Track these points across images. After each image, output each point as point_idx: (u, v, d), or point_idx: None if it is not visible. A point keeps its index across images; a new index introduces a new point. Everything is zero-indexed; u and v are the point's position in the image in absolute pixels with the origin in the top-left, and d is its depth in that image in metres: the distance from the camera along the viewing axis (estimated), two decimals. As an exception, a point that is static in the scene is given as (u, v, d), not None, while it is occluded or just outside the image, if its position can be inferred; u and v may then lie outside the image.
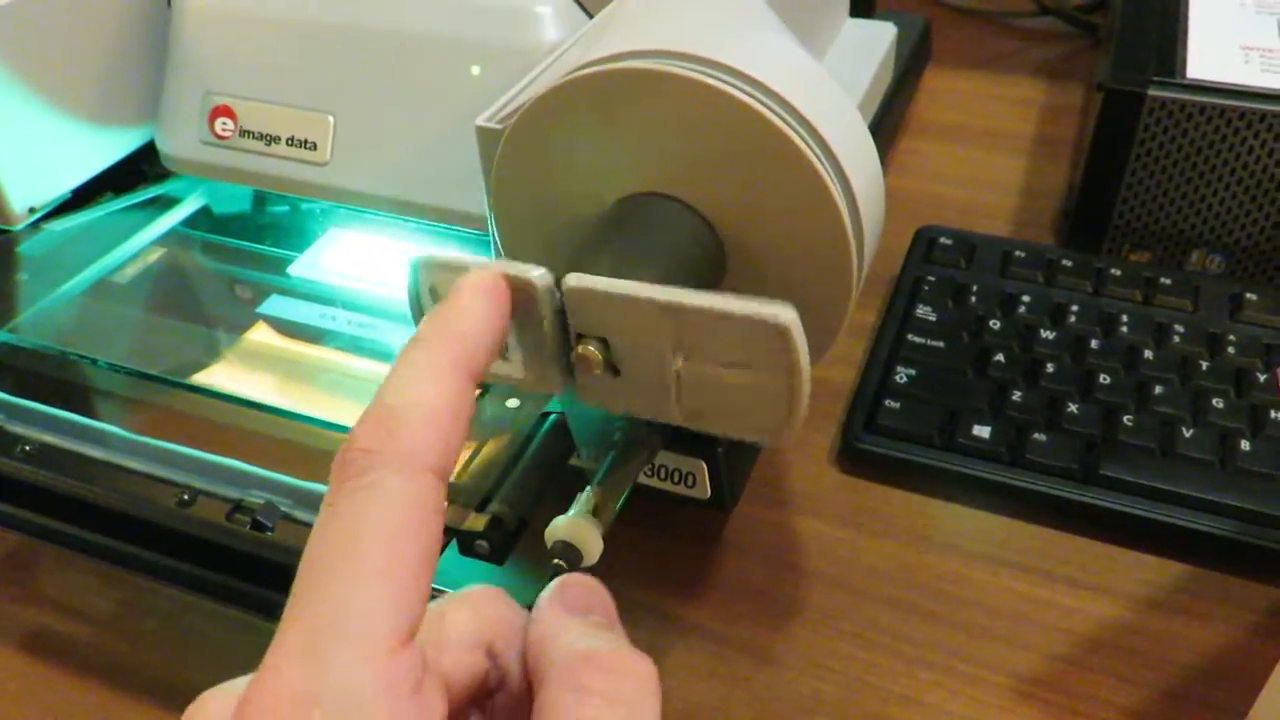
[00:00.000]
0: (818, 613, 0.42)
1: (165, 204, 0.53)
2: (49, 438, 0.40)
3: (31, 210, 0.46)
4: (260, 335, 0.49)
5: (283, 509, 0.36)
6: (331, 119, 0.46)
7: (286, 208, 0.56)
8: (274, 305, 0.50)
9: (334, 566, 0.21)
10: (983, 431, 0.46)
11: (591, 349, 0.29)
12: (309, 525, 0.36)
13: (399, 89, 0.45)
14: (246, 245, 0.53)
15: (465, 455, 0.39)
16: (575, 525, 0.35)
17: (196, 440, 0.40)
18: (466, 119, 0.44)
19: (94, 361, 0.42)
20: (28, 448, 0.39)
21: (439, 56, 0.44)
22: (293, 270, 0.52)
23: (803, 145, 0.30)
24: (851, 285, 0.31)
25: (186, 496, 0.37)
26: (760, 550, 0.45)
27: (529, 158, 0.33)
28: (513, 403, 0.41)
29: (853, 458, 0.48)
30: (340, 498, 0.22)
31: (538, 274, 0.27)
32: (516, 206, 0.34)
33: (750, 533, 0.46)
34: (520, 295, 0.27)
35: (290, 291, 0.51)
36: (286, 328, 0.49)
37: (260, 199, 0.56)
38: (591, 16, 0.44)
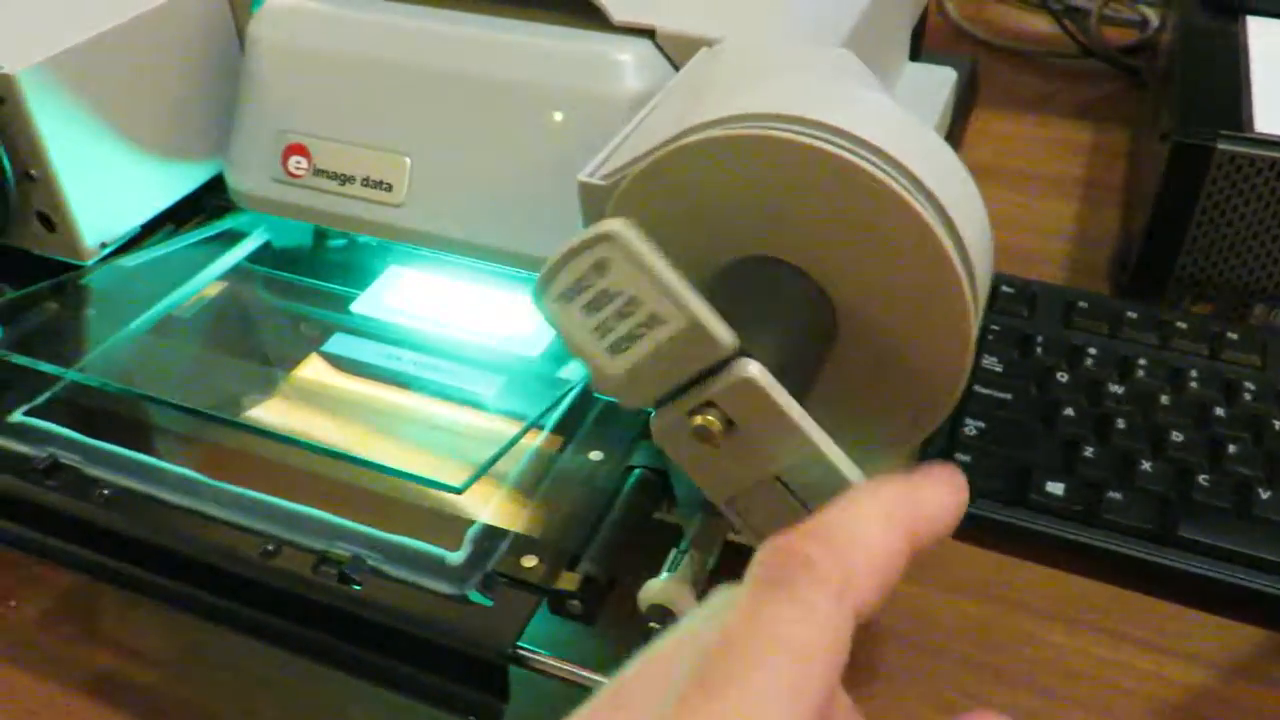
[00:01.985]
0: (894, 671, 0.42)
1: (229, 239, 0.53)
2: (127, 482, 0.39)
3: (103, 245, 0.46)
4: (326, 375, 0.48)
5: (370, 563, 0.36)
6: (408, 160, 0.45)
7: (344, 242, 0.56)
8: (338, 344, 0.50)
9: (747, 674, 0.20)
10: (1056, 488, 0.46)
11: (714, 421, 0.28)
12: (396, 581, 0.36)
13: (477, 132, 0.44)
14: (308, 281, 0.53)
15: (549, 509, 0.39)
16: (670, 588, 0.35)
17: (267, 484, 0.40)
18: (545, 165, 0.44)
19: (165, 403, 0.42)
20: (106, 492, 0.39)
21: (519, 102, 0.44)
22: (355, 308, 0.51)
23: (922, 210, 0.30)
24: (969, 346, 0.31)
25: (271, 547, 0.37)
26: (832, 605, 0.44)
27: (635, 219, 0.33)
28: (596, 455, 0.41)
29: (922, 511, 0.47)
30: (763, 600, 0.21)
31: (754, 367, 0.27)
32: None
33: (821, 586, 0.45)
34: (696, 348, 0.27)
35: (354, 330, 0.51)
36: (352, 367, 0.48)
37: (319, 234, 0.55)
38: (674, 64, 0.44)
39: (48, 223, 0.45)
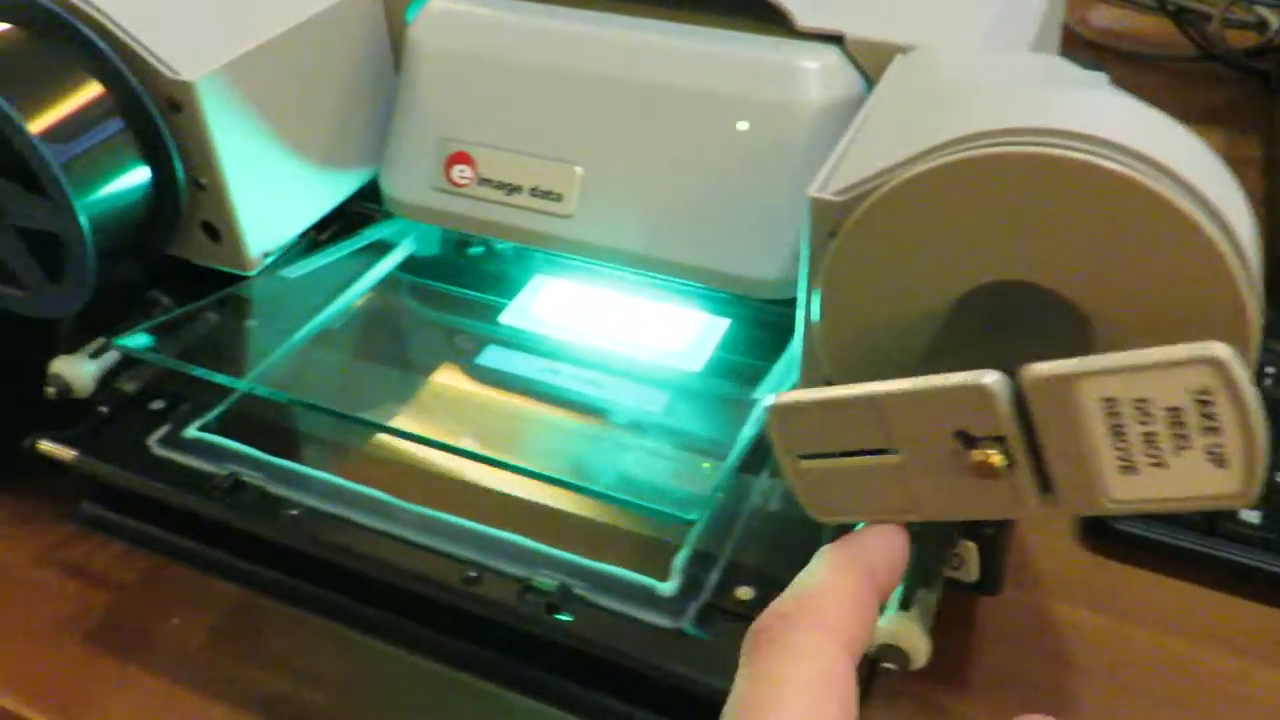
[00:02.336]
0: (1093, 710, 0.40)
1: (378, 247, 0.52)
2: (315, 502, 0.38)
3: (265, 255, 0.45)
4: (485, 390, 0.47)
5: (577, 591, 0.35)
6: (579, 170, 0.44)
7: (482, 250, 0.55)
8: (492, 357, 0.49)
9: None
10: (1251, 516, 0.44)
11: (997, 456, 0.27)
12: (606, 611, 0.35)
13: (654, 142, 0.43)
14: (455, 290, 0.52)
15: (753, 535, 0.37)
16: (901, 626, 0.33)
17: (451, 506, 0.39)
18: (726, 176, 0.42)
19: (353, 419, 0.40)
20: (294, 512, 0.38)
21: (700, 111, 0.42)
22: (505, 319, 0.50)
23: (1207, 227, 0.28)
24: (1252, 360, 0.29)
25: (472, 574, 0.35)
26: (1019, 637, 0.43)
27: (877, 239, 0.31)
28: (793, 480, 0.39)
29: (1104, 537, 0.45)
30: (758, 660, 0.23)
31: (992, 379, 0.25)
32: (847, 288, 0.32)
33: (1005, 617, 0.43)
34: (959, 407, 0.25)
35: (506, 342, 0.50)
36: (510, 382, 0.47)
37: (460, 242, 0.54)
38: (862, 72, 0.42)
39: (212, 233, 0.44)
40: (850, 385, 0.27)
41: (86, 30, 0.39)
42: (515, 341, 0.49)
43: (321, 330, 0.47)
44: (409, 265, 0.53)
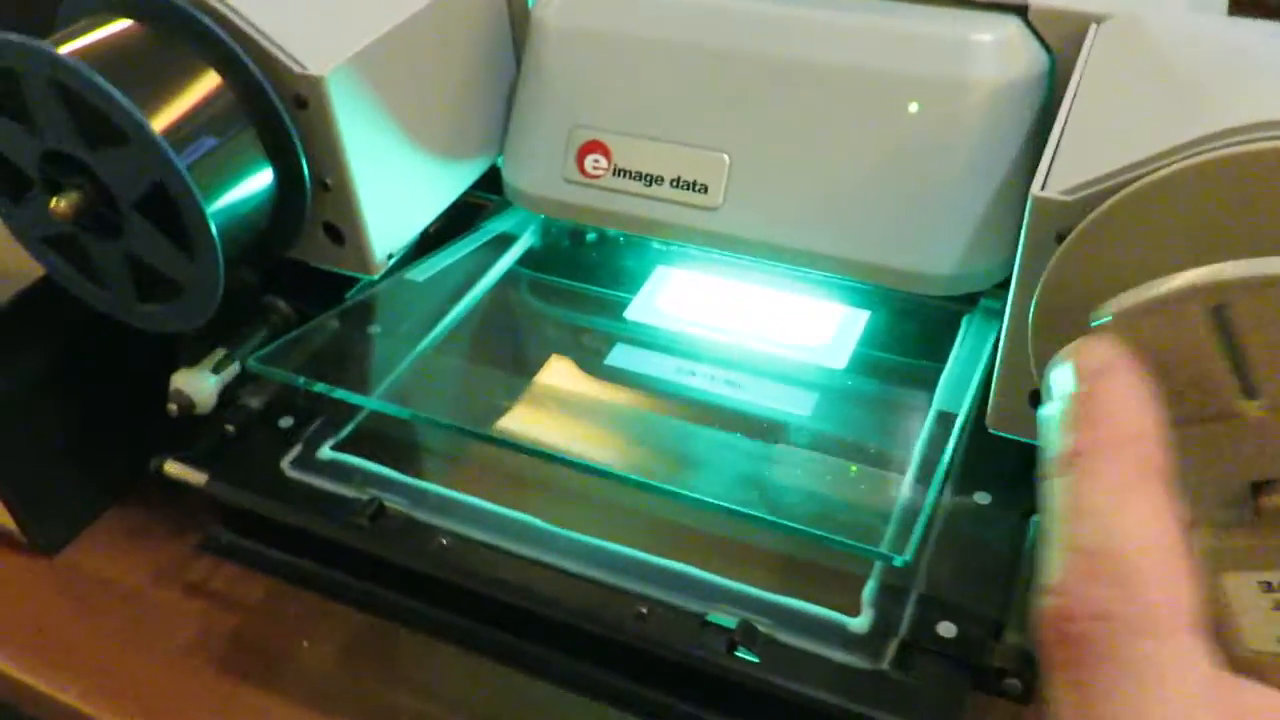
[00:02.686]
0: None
1: (499, 240, 0.49)
2: (464, 529, 0.35)
3: (389, 257, 0.42)
4: (623, 396, 0.44)
5: (761, 629, 0.32)
6: (726, 158, 0.41)
7: (596, 238, 0.52)
8: (621, 356, 0.46)
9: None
10: None
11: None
12: (796, 650, 0.32)
13: (809, 126, 0.39)
14: (577, 286, 0.49)
15: (943, 563, 0.34)
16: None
17: (605, 529, 0.36)
18: (894, 162, 0.38)
19: (501, 442, 0.38)
20: (444, 541, 0.35)
21: (861, 91, 0.39)
22: (631, 315, 0.47)
23: None
24: None
25: (643, 609, 0.33)
26: None
27: (1119, 241, 0.27)
28: (982, 497, 0.36)
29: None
30: (1091, 693, 0.17)
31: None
32: (1075, 295, 0.29)
33: None
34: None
35: (635, 340, 0.47)
36: (646, 386, 0.44)
37: (575, 232, 0.51)
38: (1045, 45, 0.38)
39: (336, 235, 0.41)
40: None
41: (210, 23, 0.36)
42: (644, 339, 0.46)
43: (450, 336, 0.44)
44: (530, 256, 0.50)
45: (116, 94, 0.33)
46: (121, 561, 0.47)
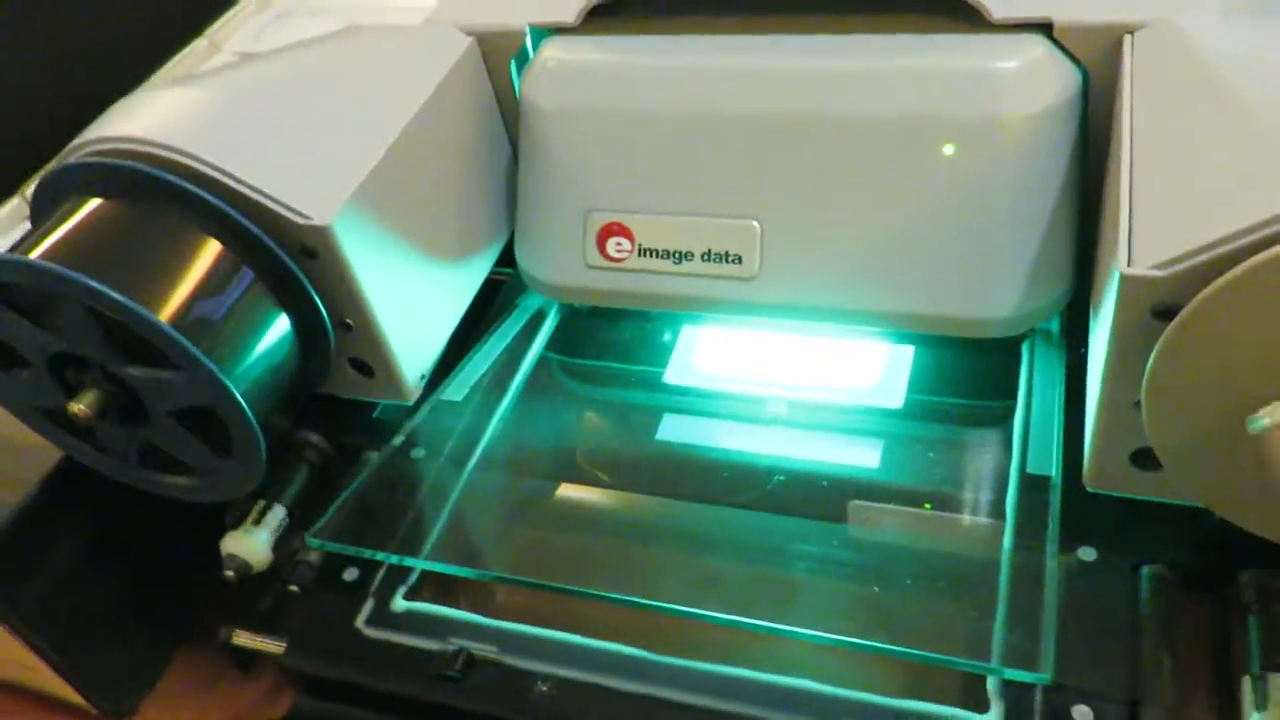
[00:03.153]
0: None
1: (525, 330, 0.46)
2: (564, 671, 0.34)
3: (421, 378, 0.40)
4: (682, 480, 0.42)
5: (898, 744, 0.31)
6: (757, 225, 0.39)
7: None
8: (672, 429, 0.44)
9: None
10: None
11: None
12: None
13: (839, 181, 0.37)
14: (609, 365, 0.47)
15: (1061, 636, 0.33)
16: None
17: (707, 647, 0.35)
18: (934, 207, 0.36)
19: (567, 590, 0.36)
20: (544, 687, 0.34)
21: (889, 137, 0.37)
22: (670, 379, 0.45)
23: None
24: None
25: (768, 738, 0.32)
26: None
27: (1236, 315, 0.26)
28: (1088, 554, 0.35)
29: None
30: None
31: None
32: (1192, 373, 0.27)
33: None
34: None
35: (681, 409, 0.45)
36: (704, 461, 0.42)
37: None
38: (1076, 62, 0.36)
39: (364, 369, 0.39)
40: None
41: (201, 192, 0.33)
42: (688, 405, 0.45)
43: (492, 450, 0.42)
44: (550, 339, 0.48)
45: (168, 329, 0.31)
46: (199, 715, 0.46)
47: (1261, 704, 0.30)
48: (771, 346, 0.45)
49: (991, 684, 0.32)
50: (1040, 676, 0.29)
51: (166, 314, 0.32)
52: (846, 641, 0.31)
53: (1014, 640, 0.30)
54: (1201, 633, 0.33)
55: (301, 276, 0.35)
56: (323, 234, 0.34)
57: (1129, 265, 0.27)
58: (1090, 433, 0.32)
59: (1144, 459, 0.31)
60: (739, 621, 0.32)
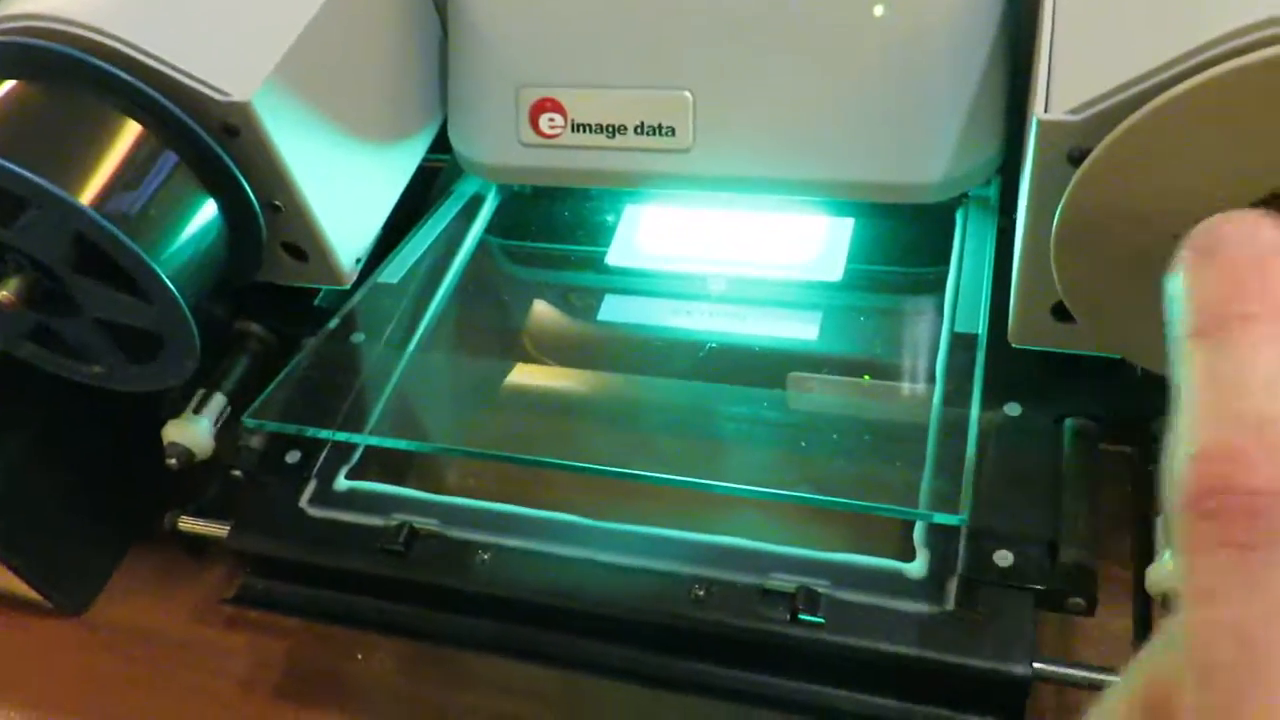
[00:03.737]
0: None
1: (463, 213, 0.46)
2: (503, 540, 0.35)
3: (357, 261, 0.40)
4: (623, 355, 0.43)
5: (822, 591, 0.32)
6: (689, 95, 0.38)
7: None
8: (613, 309, 0.44)
9: (1244, 692, 0.14)
10: None
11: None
12: (861, 606, 0.32)
13: (772, 48, 0.37)
14: (551, 246, 0.47)
15: (984, 486, 0.34)
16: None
17: (639, 511, 0.36)
18: (866, 73, 0.36)
19: (501, 457, 0.36)
20: (486, 556, 0.35)
21: (818, 4, 0.36)
22: (612, 260, 0.45)
23: None
24: None
25: (701, 591, 0.33)
26: None
27: (1142, 157, 0.26)
28: (1013, 409, 0.35)
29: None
30: (1263, 573, 0.15)
31: None
32: (1098, 213, 0.27)
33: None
34: None
35: (622, 288, 0.45)
36: (645, 337, 0.43)
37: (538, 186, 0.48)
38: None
39: (297, 253, 0.39)
40: None
41: (115, 71, 0.33)
42: (630, 285, 0.45)
43: (433, 331, 0.42)
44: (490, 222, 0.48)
45: (91, 213, 0.31)
46: (155, 609, 0.46)
47: (1171, 541, 0.31)
48: (714, 225, 0.45)
49: (918, 534, 0.33)
50: (959, 519, 0.30)
51: (89, 198, 0.32)
52: (773, 494, 0.32)
53: (936, 487, 0.31)
54: (1121, 480, 0.34)
55: (225, 156, 0.35)
56: (243, 110, 0.34)
57: (1045, 111, 0.27)
58: (1013, 288, 0.32)
59: (1064, 312, 0.31)
60: (670, 479, 0.32)
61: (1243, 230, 0.18)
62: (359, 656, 0.43)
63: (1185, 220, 0.26)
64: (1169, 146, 0.25)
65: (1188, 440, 0.16)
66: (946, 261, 0.40)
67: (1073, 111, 0.27)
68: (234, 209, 0.36)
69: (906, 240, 0.43)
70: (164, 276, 0.32)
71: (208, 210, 0.36)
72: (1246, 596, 0.15)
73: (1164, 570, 0.30)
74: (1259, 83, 0.24)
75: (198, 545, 0.39)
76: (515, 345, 0.43)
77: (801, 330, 0.42)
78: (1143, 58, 0.26)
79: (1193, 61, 0.25)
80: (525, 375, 0.42)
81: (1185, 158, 0.25)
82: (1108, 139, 0.26)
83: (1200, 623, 0.15)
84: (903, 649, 0.31)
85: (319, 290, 0.42)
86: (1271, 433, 0.16)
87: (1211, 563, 0.15)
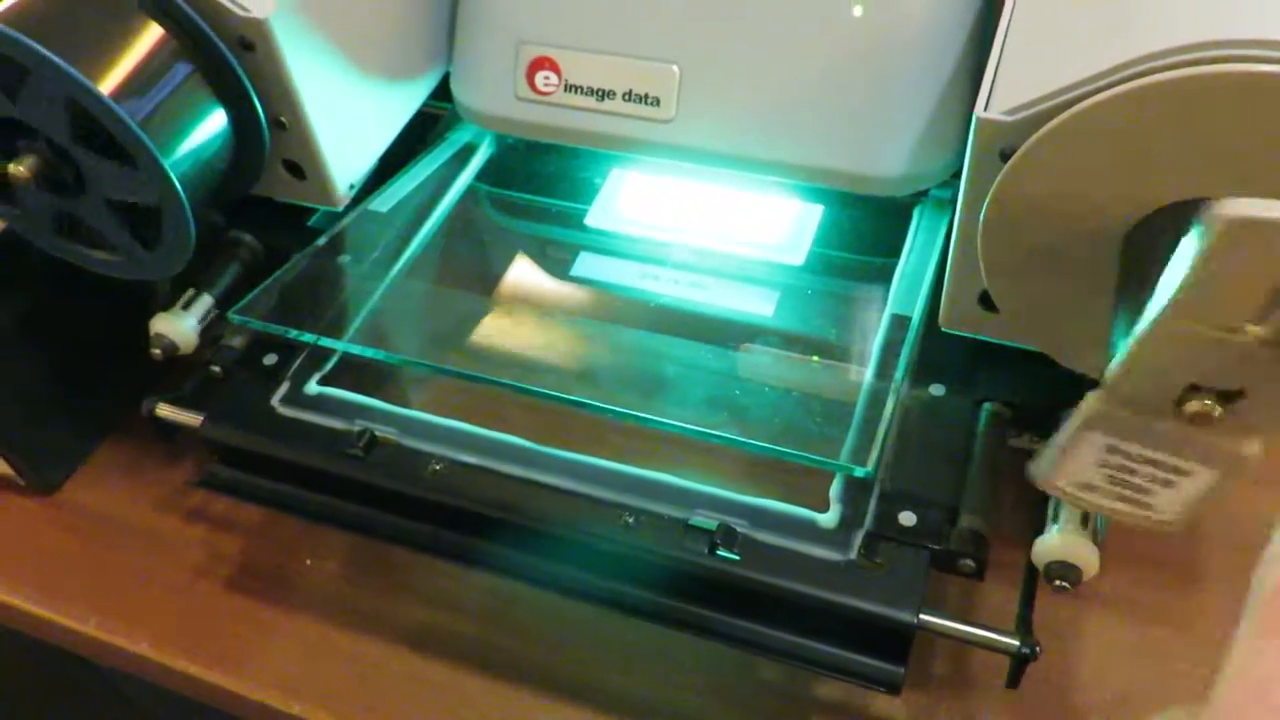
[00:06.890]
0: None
1: (457, 157, 0.49)
2: (456, 454, 0.37)
3: (351, 187, 0.43)
4: (591, 305, 0.45)
5: (739, 530, 0.35)
6: (677, 69, 0.41)
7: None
8: (586, 266, 0.47)
9: None
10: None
11: (1211, 405, 0.26)
12: (771, 547, 0.35)
13: (756, 34, 0.40)
14: (537, 200, 0.49)
15: (902, 455, 0.37)
16: (1070, 542, 0.34)
17: (586, 445, 0.38)
18: (841, 66, 0.39)
19: (465, 375, 0.39)
20: (437, 467, 0.37)
21: (807, -5, 0.39)
22: (591, 221, 0.48)
23: None
24: None
25: (630, 520, 0.35)
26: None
27: (1061, 160, 0.29)
28: (937, 389, 0.38)
29: None
30: None
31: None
32: (1020, 208, 0.30)
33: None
34: None
35: (598, 247, 0.48)
36: (613, 294, 0.46)
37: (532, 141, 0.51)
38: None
39: (296, 171, 0.41)
40: None
41: (145, -27, 0.35)
42: (606, 246, 0.48)
43: (415, 261, 0.45)
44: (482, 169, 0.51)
45: (110, 103, 0.33)
46: (121, 495, 0.49)
47: (1055, 518, 0.34)
48: (692, 198, 0.48)
49: (834, 489, 0.36)
50: (866, 470, 0.32)
51: (109, 88, 0.34)
52: (703, 432, 0.35)
53: (852, 445, 0.34)
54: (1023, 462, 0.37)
55: (239, 69, 0.37)
56: (260, 26, 0.36)
57: (985, 110, 0.30)
58: (946, 275, 0.35)
59: (989, 301, 0.34)
60: (610, 409, 0.35)
61: None
62: (308, 561, 0.46)
63: (1092, 223, 0.29)
64: (1080, 152, 0.28)
65: None
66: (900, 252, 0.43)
67: (1008, 112, 0.30)
68: (242, 121, 0.39)
69: (869, 231, 0.46)
70: (171, 172, 0.35)
71: (218, 119, 0.38)
72: None
73: (1053, 542, 0.33)
74: (1162, 101, 0.27)
75: (169, 431, 0.41)
76: (490, 285, 0.46)
77: (758, 305, 0.44)
78: (1080, 67, 0.29)
79: (1122, 74, 0.28)
80: (495, 311, 0.45)
81: (1092, 165, 0.28)
82: (1029, 141, 0.29)
83: None
84: (806, 588, 0.33)
85: (314, 211, 0.45)
86: None
87: None
